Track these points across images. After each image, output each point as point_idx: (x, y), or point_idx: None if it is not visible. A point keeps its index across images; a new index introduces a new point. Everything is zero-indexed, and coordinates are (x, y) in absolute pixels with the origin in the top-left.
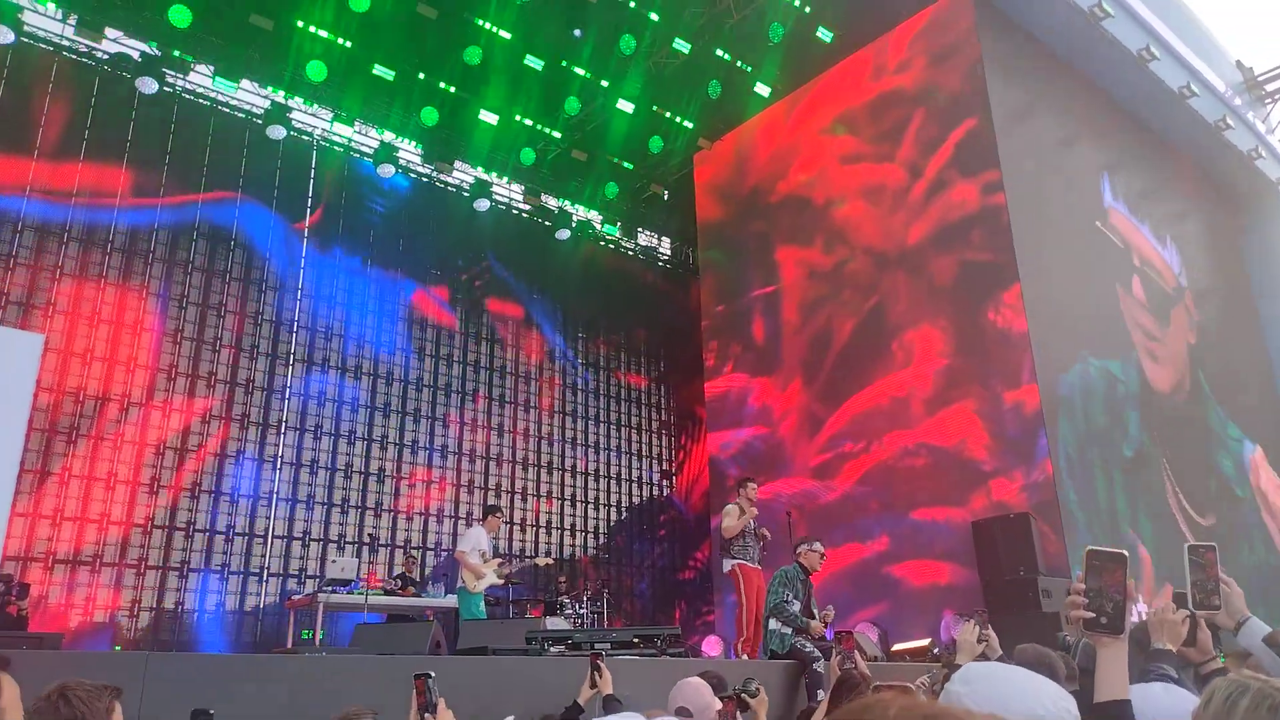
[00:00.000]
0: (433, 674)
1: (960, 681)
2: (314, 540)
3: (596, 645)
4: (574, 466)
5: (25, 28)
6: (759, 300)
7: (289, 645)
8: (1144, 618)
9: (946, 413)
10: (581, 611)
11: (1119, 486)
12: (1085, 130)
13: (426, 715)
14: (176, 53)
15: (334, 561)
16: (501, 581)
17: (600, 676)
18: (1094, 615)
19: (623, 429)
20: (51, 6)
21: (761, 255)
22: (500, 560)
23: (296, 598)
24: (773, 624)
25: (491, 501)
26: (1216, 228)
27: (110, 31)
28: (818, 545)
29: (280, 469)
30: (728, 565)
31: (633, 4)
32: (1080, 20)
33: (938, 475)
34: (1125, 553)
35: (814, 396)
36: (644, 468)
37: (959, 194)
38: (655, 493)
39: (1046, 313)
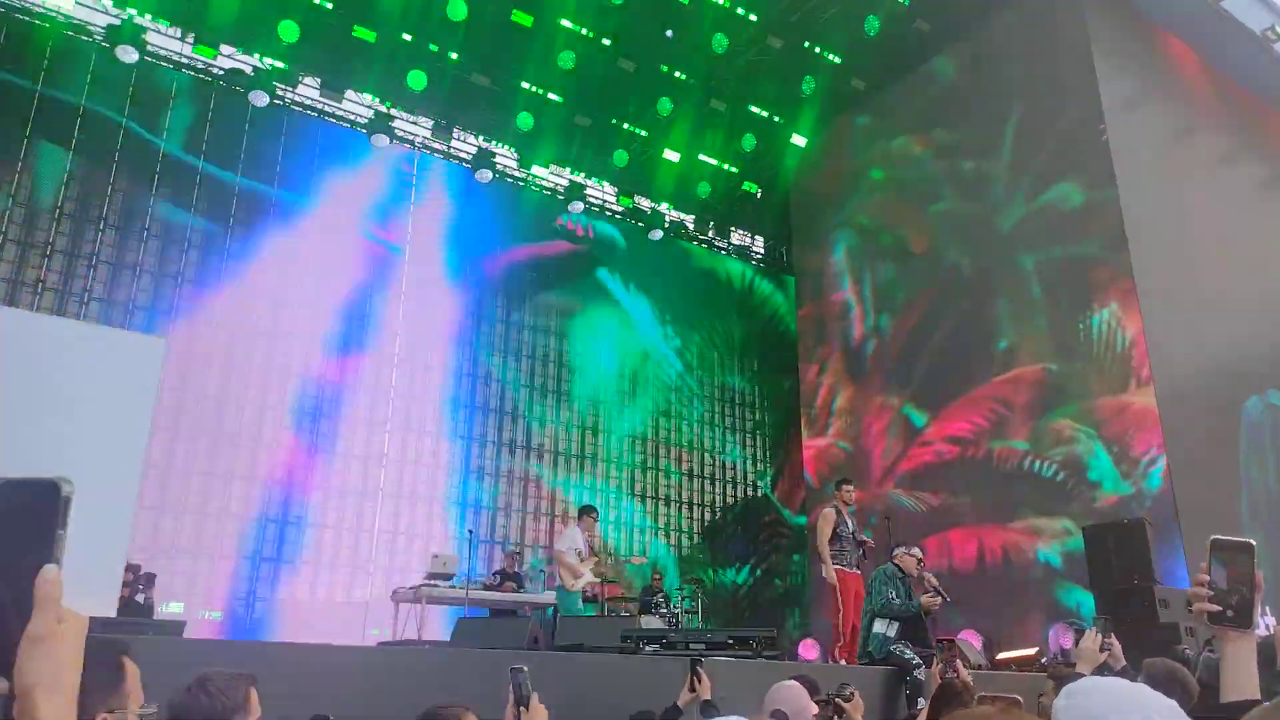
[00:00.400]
0: (525, 668)
1: (1064, 695)
2: (416, 535)
3: (691, 646)
4: (669, 466)
5: (149, 47)
6: (852, 301)
7: (394, 637)
8: (1271, 631)
9: (1050, 418)
10: (676, 611)
11: None
12: (1204, 118)
13: (520, 709)
14: (285, 66)
15: (435, 556)
16: (599, 580)
17: (700, 682)
18: (1220, 609)
19: (718, 429)
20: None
21: (855, 253)
22: (597, 559)
23: (401, 591)
24: (877, 626)
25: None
26: None
27: (224, 48)
28: (916, 550)
29: (385, 466)
30: (826, 570)
31: (723, 2)
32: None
33: (1042, 483)
34: (1253, 542)
35: (908, 400)
36: (740, 468)
37: (1065, 189)
38: (751, 493)
39: (1163, 312)
